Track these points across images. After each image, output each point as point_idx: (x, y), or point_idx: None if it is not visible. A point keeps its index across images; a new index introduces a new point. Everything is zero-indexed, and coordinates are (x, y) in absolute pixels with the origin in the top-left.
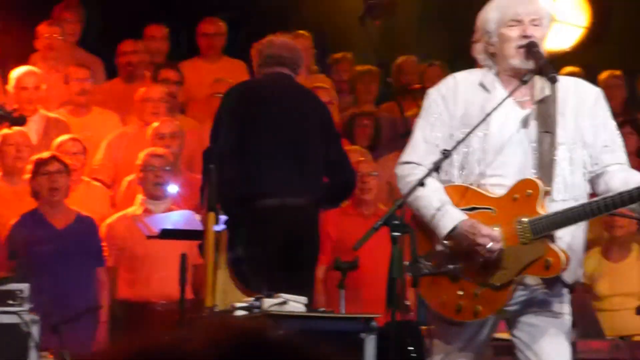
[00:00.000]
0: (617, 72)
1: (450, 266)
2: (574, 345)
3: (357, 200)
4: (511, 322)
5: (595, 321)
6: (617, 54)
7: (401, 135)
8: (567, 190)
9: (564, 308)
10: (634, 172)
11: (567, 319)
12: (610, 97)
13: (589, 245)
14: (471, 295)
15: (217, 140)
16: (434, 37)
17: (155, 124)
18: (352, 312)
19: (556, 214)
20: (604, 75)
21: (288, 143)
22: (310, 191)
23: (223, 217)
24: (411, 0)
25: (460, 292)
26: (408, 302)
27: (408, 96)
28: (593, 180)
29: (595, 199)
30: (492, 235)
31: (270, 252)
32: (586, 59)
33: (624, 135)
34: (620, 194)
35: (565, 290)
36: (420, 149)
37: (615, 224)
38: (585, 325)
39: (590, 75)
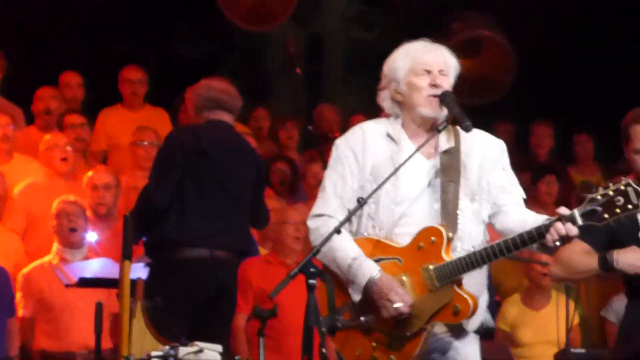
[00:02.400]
0: (546, 122)
1: (363, 318)
2: None
3: (279, 249)
4: None
5: None
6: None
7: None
8: (470, 240)
9: (475, 352)
10: (529, 212)
11: None
12: (538, 146)
13: (509, 292)
14: (384, 347)
15: (157, 180)
16: (360, 86)
17: (90, 174)
18: None
19: (460, 259)
20: (535, 124)
21: (225, 195)
22: (238, 243)
23: (141, 264)
24: (336, 49)
25: (374, 344)
26: (324, 350)
27: (329, 144)
28: (490, 220)
29: (496, 241)
30: (404, 299)
31: (197, 302)
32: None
33: (548, 183)
34: (520, 235)
35: (473, 336)
36: (331, 202)
37: (544, 272)
38: None
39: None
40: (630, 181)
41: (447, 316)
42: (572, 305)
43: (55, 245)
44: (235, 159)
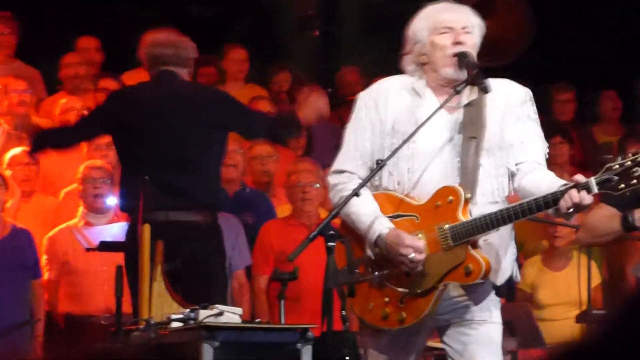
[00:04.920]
0: (567, 84)
1: (376, 273)
2: (515, 354)
3: (298, 210)
4: (442, 331)
5: (536, 330)
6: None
7: (336, 146)
8: (491, 195)
9: (493, 316)
10: (546, 175)
11: (497, 326)
12: (559, 107)
13: (529, 253)
14: (396, 303)
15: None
16: (376, 46)
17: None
18: (289, 323)
19: (475, 220)
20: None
21: (169, 150)
22: (200, 200)
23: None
24: (352, 10)
25: (386, 299)
26: (345, 313)
27: (349, 106)
28: (513, 179)
29: (512, 204)
30: (415, 246)
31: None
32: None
33: (555, 145)
34: (536, 199)
35: (492, 297)
36: (352, 157)
37: (556, 234)
38: (526, 334)
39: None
40: None
41: (459, 276)
42: (594, 266)
43: (81, 209)
44: (174, 107)
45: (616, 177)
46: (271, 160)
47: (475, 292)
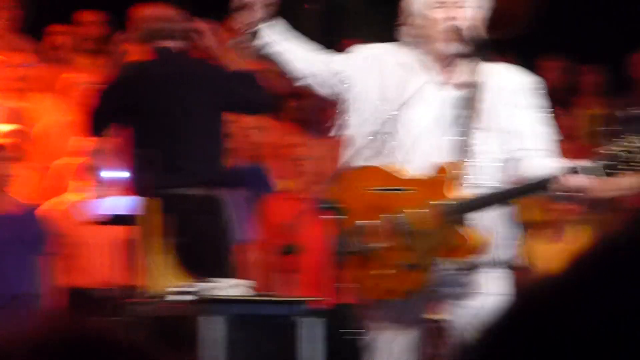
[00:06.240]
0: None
1: (370, 244)
2: None
3: (297, 184)
4: (441, 303)
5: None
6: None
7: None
8: (482, 174)
9: (494, 288)
10: (548, 161)
11: (494, 297)
12: (546, 80)
13: (534, 227)
14: (389, 274)
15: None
16: (380, 18)
17: None
18: (286, 295)
19: (469, 199)
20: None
21: (179, 129)
22: (207, 177)
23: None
24: None
25: (379, 271)
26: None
27: None
28: (507, 164)
29: (506, 187)
30: None
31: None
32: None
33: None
34: (529, 183)
35: (493, 271)
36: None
37: (549, 207)
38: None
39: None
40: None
41: (452, 252)
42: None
43: (77, 180)
44: (181, 85)
45: (613, 162)
46: (257, 131)
47: (474, 266)
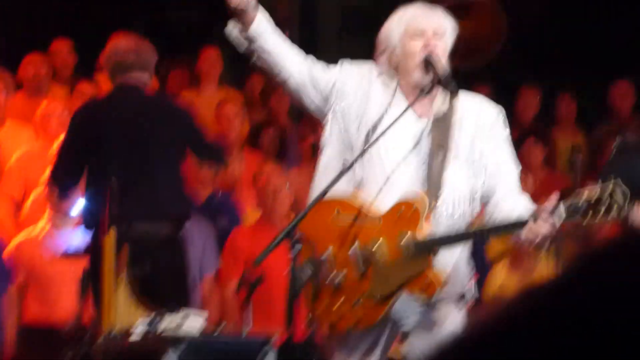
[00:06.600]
0: (533, 86)
1: (335, 276)
2: None
3: (268, 214)
4: (404, 338)
5: None
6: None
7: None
8: (454, 207)
9: (452, 321)
10: (519, 200)
11: (454, 331)
12: (523, 109)
13: (497, 258)
14: (351, 305)
15: (62, 164)
16: (355, 48)
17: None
18: (257, 329)
19: (438, 235)
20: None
21: (135, 164)
22: (164, 211)
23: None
24: (331, 12)
25: (343, 302)
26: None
27: None
28: (478, 197)
29: (478, 226)
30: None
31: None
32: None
33: (528, 147)
34: (502, 223)
35: (455, 306)
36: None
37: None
38: None
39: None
40: (617, 182)
41: (417, 287)
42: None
43: (47, 212)
44: (143, 123)
45: (584, 206)
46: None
47: (433, 300)
